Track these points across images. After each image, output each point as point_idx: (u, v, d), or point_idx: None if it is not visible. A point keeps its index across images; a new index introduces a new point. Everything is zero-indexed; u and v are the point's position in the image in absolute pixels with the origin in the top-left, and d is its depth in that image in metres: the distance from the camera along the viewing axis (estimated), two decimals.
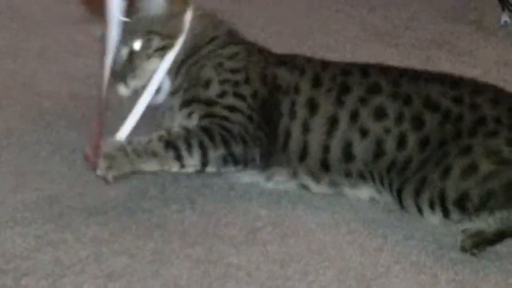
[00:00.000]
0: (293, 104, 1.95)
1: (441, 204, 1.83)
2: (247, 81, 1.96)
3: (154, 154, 1.83)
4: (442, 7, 3.11)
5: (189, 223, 1.88)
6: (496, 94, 1.93)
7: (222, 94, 1.94)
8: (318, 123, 1.93)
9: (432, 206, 1.85)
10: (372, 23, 2.93)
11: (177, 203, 1.94)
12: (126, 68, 1.96)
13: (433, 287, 1.72)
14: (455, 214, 1.83)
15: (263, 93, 1.95)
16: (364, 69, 1.99)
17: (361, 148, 1.91)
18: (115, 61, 1.93)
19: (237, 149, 1.88)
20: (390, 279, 1.74)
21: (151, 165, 1.84)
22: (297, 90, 1.96)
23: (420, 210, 1.87)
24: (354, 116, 1.92)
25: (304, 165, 1.95)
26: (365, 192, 1.96)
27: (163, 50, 1.96)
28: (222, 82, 1.95)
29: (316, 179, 1.96)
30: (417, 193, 1.86)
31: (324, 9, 3.10)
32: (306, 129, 1.93)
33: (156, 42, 1.96)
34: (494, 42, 2.77)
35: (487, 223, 1.79)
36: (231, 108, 1.92)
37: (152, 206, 1.92)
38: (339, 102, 1.93)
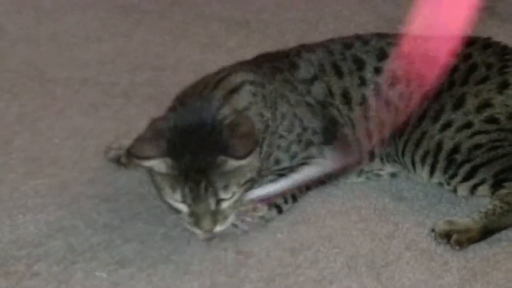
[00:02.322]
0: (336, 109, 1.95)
1: (434, 155, 1.85)
2: (305, 128, 1.91)
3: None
4: None
5: None
6: (486, 40, 1.99)
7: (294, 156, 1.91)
8: (357, 113, 1.94)
9: (424, 158, 1.87)
10: (383, 9, 2.92)
11: None
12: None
13: (444, 274, 1.72)
14: (439, 171, 1.86)
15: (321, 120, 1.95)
16: (361, 37, 2.01)
17: (389, 123, 1.94)
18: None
19: None
20: (400, 266, 1.74)
21: None
22: (330, 91, 1.95)
23: (413, 164, 1.90)
24: (377, 90, 1.93)
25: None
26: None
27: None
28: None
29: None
30: (416, 146, 1.88)
31: None
32: (353, 125, 1.94)
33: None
34: (507, 29, 2.75)
35: (472, 219, 1.80)
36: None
37: None
38: (362, 81, 1.94)
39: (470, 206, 1.88)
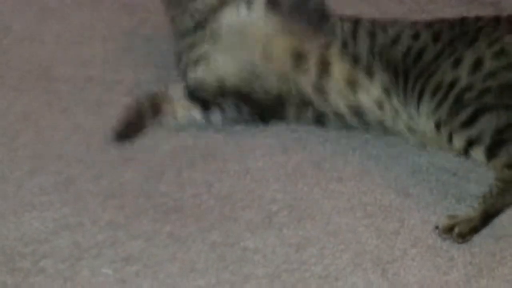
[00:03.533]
0: None
1: (446, 91, 1.87)
2: None
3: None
4: None
5: (206, 206, 1.88)
6: (496, 16, 2.02)
7: None
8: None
9: (435, 91, 1.89)
10: (387, 6, 2.91)
11: (194, 187, 1.94)
12: None
13: (450, 270, 1.72)
14: (445, 107, 1.87)
15: None
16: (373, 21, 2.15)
17: (381, 39, 2.04)
18: None
19: None
20: (406, 262, 1.74)
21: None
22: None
23: (420, 96, 1.92)
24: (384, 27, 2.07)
25: None
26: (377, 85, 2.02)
27: None
28: None
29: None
30: (428, 78, 1.91)
31: None
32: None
33: None
34: None
35: (472, 208, 1.82)
36: None
37: (168, 190, 1.93)
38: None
39: (476, 202, 1.88)
